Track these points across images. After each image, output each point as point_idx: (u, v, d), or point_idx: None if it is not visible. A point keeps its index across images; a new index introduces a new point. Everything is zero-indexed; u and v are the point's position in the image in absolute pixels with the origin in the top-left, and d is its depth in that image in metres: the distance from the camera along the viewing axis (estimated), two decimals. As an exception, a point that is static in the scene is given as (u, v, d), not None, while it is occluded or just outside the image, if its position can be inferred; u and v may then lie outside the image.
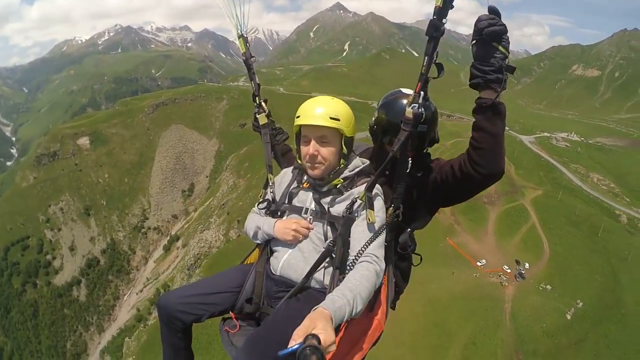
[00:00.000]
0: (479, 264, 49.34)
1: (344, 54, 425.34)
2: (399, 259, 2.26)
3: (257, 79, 2.57)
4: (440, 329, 38.71)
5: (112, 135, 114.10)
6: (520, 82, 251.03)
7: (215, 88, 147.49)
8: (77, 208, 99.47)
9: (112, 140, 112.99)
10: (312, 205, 2.06)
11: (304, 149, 2.04)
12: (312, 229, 2.01)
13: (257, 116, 2.63)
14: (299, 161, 2.14)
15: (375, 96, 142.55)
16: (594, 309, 40.50)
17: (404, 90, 2.17)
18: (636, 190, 71.80)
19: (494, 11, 1.60)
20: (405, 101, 2.00)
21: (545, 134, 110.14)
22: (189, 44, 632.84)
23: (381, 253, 1.83)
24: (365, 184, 1.97)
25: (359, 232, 1.87)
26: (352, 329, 1.77)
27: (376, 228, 1.87)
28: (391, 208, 2.00)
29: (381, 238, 1.89)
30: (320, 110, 1.94)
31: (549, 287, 44.07)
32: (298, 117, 1.99)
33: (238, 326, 2.05)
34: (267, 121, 2.64)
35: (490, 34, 1.59)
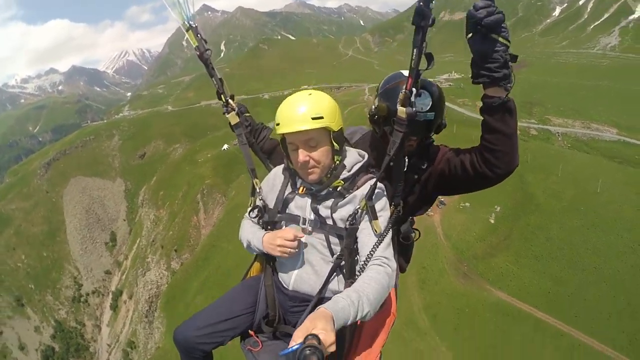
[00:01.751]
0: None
1: (222, 54, 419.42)
2: (402, 248, 2.18)
3: (217, 74, 2.22)
4: None
5: (12, 212, 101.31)
6: (395, 39, 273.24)
7: (102, 126, 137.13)
8: (8, 302, 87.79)
9: (15, 217, 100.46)
10: (312, 215, 1.86)
11: (293, 156, 1.82)
12: (308, 237, 1.86)
13: (227, 116, 2.29)
14: (291, 165, 1.90)
15: (266, 89, 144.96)
16: (511, 208, 45.83)
17: (405, 73, 1.81)
18: (519, 105, 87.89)
19: None
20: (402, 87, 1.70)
21: (429, 79, 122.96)
22: (60, 87, 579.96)
23: (390, 252, 1.74)
24: (366, 184, 1.83)
25: (365, 236, 1.76)
26: (368, 324, 1.89)
27: (382, 229, 1.75)
28: (392, 206, 1.90)
29: (388, 238, 1.77)
30: (300, 111, 1.70)
31: (467, 204, 49.70)
32: (278, 124, 1.77)
33: (260, 343, 2.03)
34: (238, 120, 2.30)
35: (489, 25, 1.43)
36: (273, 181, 2.08)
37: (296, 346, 1.18)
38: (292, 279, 1.93)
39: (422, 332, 35.15)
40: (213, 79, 2.26)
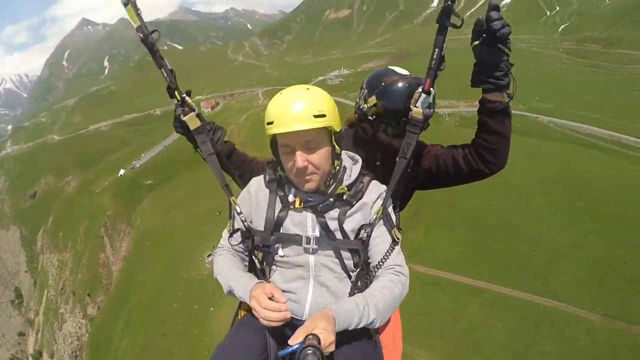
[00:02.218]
0: None
1: (106, 71, 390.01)
2: None
3: (168, 64, 1.72)
4: None
5: None
6: (284, 41, 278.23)
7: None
8: None
9: None
10: (316, 231, 1.59)
11: (287, 161, 1.57)
12: (316, 257, 1.60)
13: (184, 119, 1.77)
14: (282, 173, 1.66)
15: (157, 104, 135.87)
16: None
17: (397, 69, 1.92)
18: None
19: (497, 7, 1.47)
20: (401, 84, 1.80)
21: (320, 77, 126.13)
22: None
23: (402, 259, 1.63)
24: (371, 189, 1.68)
25: (377, 245, 1.62)
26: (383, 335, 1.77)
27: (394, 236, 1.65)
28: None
29: (399, 244, 1.67)
30: (298, 108, 1.45)
31: None
32: (271, 123, 1.50)
33: None
34: (200, 124, 1.80)
35: (503, 37, 1.48)
36: (255, 197, 1.71)
37: (296, 346, 1.17)
38: (307, 309, 1.58)
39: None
40: (162, 70, 1.70)
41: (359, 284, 1.59)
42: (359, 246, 1.58)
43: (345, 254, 1.59)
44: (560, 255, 33.52)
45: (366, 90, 1.95)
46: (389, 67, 1.96)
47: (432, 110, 1.62)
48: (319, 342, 1.16)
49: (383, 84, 1.87)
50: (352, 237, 1.59)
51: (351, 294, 1.58)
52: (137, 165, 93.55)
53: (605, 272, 31.18)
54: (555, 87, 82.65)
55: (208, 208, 59.10)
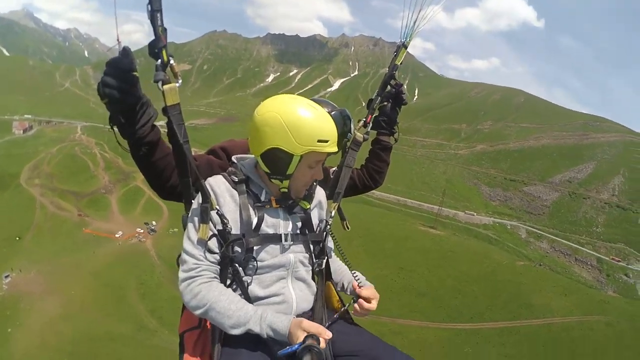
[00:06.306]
0: (117, 235, 63.20)
1: None
2: None
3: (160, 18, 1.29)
4: (112, 287, 48.03)
5: None
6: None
7: None
8: None
9: None
10: (289, 228, 1.61)
11: (308, 173, 1.55)
12: (292, 254, 1.60)
13: (164, 88, 1.36)
14: (283, 185, 1.55)
15: None
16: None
17: (327, 101, 2.23)
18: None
19: (401, 84, 2.23)
20: (339, 113, 2.14)
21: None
22: None
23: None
24: (318, 188, 1.82)
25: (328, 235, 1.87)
26: None
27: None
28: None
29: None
30: (335, 130, 1.53)
31: (175, 229, 61.31)
32: (325, 141, 1.45)
33: None
34: (179, 99, 1.42)
35: (405, 103, 2.27)
36: (223, 199, 1.53)
37: (295, 346, 1.19)
38: (295, 306, 1.59)
39: (153, 331, 41.32)
40: (158, 15, 1.29)
41: (322, 269, 1.74)
42: (322, 237, 1.73)
43: (313, 247, 1.70)
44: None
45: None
46: (318, 97, 2.23)
47: (368, 136, 2.24)
48: (319, 342, 1.18)
49: (327, 110, 1.92)
50: (316, 230, 1.71)
51: (321, 282, 1.75)
52: None
53: (375, 285, 52.43)
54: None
55: (8, 233, 59.91)
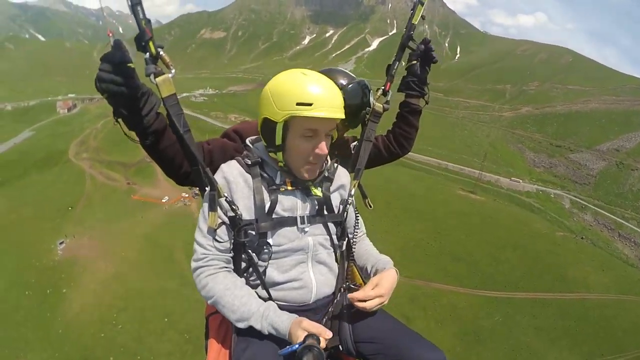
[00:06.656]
0: (163, 200, 66.05)
1: None
2: None
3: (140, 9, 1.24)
4: (160, 248, 49.83)
5: None
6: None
7: None
8: None
9: None
10: (307, 210, 1.56)
11: (305, 146, 1.44)
12: (311, 237, 1.55)
13: (156, 81, 1.35)
14: (278, 158, 1.51)
15: (8, 98, 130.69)
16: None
17: (345, 70, 2.14)
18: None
19: (430, 41, 2.04)
20: (357, 84, 2.02)
21: (184, 94, 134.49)
22: None
23: (363, 224, 1.87)
24: (342, 168, 1.76)
25: (349, 214, 1.73)
26: None
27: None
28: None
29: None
30: (336, 95, 1.42)
31: None
32: (309, 104, 1.35)
33: None
34: (174, 90, 1.40)
35: (434, 61, 2.01)
36: (235, 185, 1.48)
37: (296, 346, 1.18)
38: (315, 291, 1.54)
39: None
40: (139, 7, 1.23)
41: (343, 250, 1.69)
42: (343, 218, 1.64)
43: (332, 228, 1.62)
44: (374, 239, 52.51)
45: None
46: (337, 68, 2.20)
47: (389, 105, 2.01)
48: (319, 342, 1.17)
49: (342, 82, 2.04)
50: (336, 211, 1.63)
51: (342, 264, 1.68)
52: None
53: (411, 248, 49.28)
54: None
55: (60, 204, 62.99)
